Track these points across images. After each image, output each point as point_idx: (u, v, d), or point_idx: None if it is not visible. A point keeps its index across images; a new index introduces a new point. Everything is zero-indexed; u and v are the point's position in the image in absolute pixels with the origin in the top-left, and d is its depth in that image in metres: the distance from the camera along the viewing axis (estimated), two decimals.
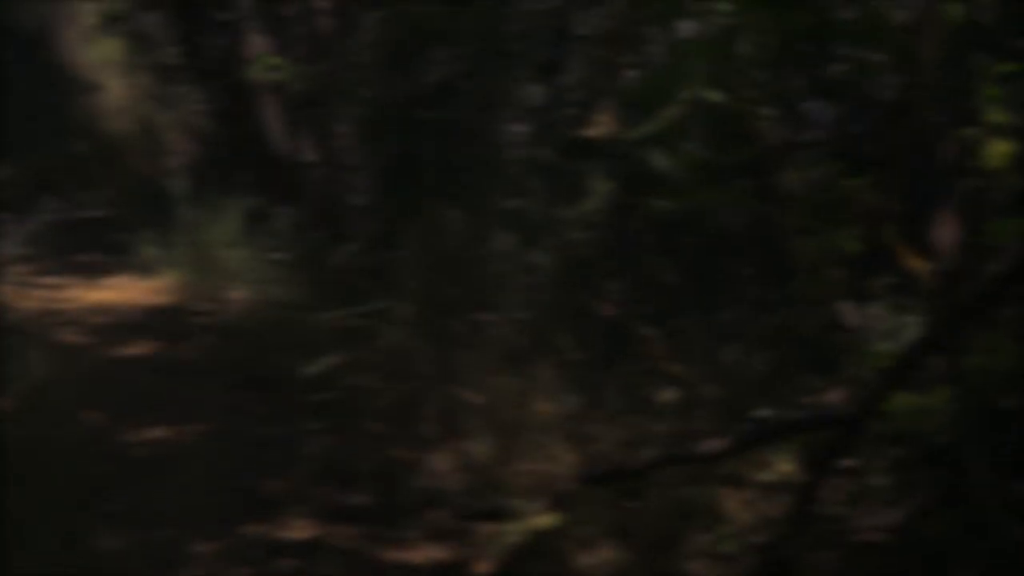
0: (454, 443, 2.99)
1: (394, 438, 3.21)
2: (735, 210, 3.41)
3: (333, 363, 3.11)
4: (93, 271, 6.85)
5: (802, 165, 3.89)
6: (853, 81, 3.04)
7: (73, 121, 10.84)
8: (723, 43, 2.94)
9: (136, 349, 5.17)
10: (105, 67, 10.39)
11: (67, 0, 12.41)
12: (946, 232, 3.08)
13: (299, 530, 3.34)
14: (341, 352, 3.52)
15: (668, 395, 3.05)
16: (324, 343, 4.19)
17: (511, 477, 2.93)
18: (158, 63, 8.25)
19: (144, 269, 6.51)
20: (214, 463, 3.80)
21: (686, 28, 5.63)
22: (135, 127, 8.45)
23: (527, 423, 2.99)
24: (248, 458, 3.82)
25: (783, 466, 2.21)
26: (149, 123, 8.30)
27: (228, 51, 7.52)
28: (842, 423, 1.99)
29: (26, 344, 5.04)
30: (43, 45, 11.06)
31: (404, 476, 3.18)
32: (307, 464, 3.42)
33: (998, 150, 2.60)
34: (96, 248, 7.45)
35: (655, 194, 3.54)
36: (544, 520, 2.86)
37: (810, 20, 3.01)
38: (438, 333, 3.39)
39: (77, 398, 4.41)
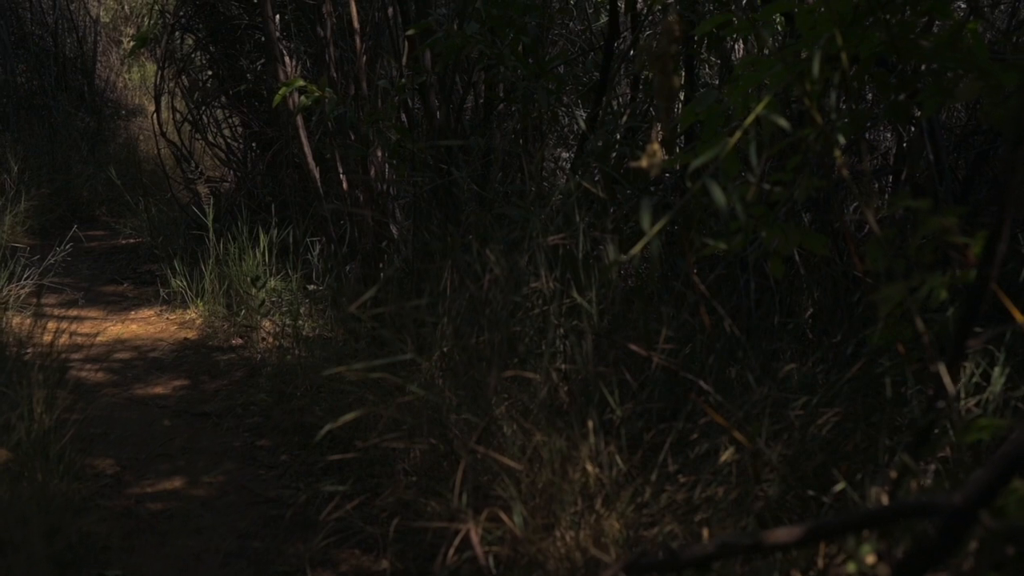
0: (487, 509, 2.66)
1: (421, 502, 2.88)
2: (803, 249, 3.07)
3: (357, 416, 2.77)
4: (122, 303, 6.61)
5: (880, 199, 3.54)
6: (935, 107, 2.69)
7: (110, 146, 10.67)
8: (789, 64, 2.60)
9: (157, 388, 4.89)
10: (144, 91, 10.14)
11: (108, 24, 12.30)
12: None
13: None
14: (367, 402, 3.22)
15: (729, 457, 2.71)
16: (350, 391, 3.90)
17: (550, 551, 2.60)
18: (194, 87, 8.01)
19: (172, 301, 6.26)
20: (229, 522, 3.50)
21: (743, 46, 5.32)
22: (170, 153, 8.20)
23: (569, 488, 2.66)
24: (265, 517, 3.51)
25: (867, 558, 1.86)
26: (184, 149, 8.06)
27: (262, 75, 7.30)
28: (941, 514, 1.65)
29: (42, 382, 4.79)
30: (82, 69, 10.88)
31: (432, 545, 2.86)
32: (328, 526, 3.11)
33: None
34: (127, 278, 7.21)
35: (713, 231, 3.22)
36: None
37: (887, 38, 2.69)
38: (472, 384, 3.06)
39: (88, 444, 4.14)
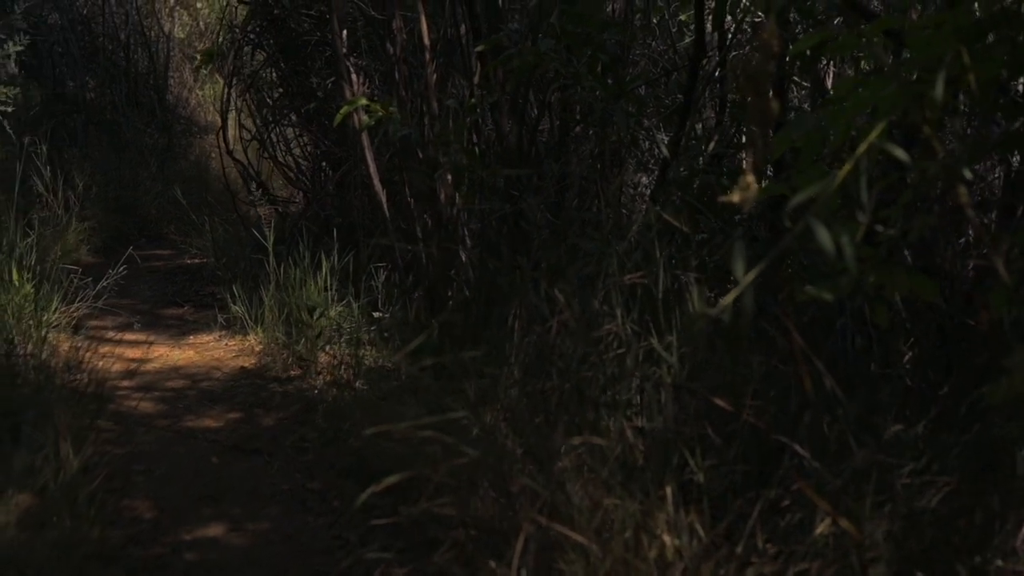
0: None
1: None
2: (914, 297, 2.74)
3: (409, 476, 2.48)
4: (180, 327, 6.39)
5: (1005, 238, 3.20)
6: None
7: (180, 163, 10.52)
8: (904, 86, 2.28)
9: (208, 421, 4.64)
10: (213, 109, 9.94)
11: (183, 40, 12.18)
12: None
13: None
14: (421, 456, 2.93)
15: (825, 529, 2.39)
16: (408, 443, 3.63)
17: None
18: (262, 104, 7.80)
19: (232, 327, 6.02)
20: None
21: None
22: (238, 172, 8.00)
23: (644, 566, 2.34)
24: (310, 573, 3.23)
25: None
26: (251, 169, 7.85)
27: (333, 93, 7.07)
28: None
29: (71, 420, 4.56)
30: (154, 85, 10.75)
31: None
32: None
33: None
34: (188, 300, 7.00)
35: (808, 270, 2.90)
36: None
37: (1012, 57, 2.36)
38: (536, 442, 2.76)
39: (128, 483, 3.89)
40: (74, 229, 8.14)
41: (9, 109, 4.92)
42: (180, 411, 4.78)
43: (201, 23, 12.32)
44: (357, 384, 4.95)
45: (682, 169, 3.92)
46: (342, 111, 4.21)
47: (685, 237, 3.38)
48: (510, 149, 4.38)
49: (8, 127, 4.97)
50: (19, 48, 5.11)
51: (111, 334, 6.11)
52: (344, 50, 5.38)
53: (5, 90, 4.91)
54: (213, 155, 10.39)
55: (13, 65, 8.00)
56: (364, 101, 4.19)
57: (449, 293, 5.19)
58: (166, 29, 11.35)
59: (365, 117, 4.25)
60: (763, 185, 2.43)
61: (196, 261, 8.16)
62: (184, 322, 6.50)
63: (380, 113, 4.17)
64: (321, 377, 5.08)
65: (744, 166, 2.26)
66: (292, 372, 5.28)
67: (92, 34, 10.36)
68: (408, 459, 3.16)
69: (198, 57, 7.89)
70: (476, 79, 4.74)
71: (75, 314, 5.63)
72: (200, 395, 5.03)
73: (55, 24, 9.69)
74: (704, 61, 4.09)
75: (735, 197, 2.15)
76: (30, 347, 5.07)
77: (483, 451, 2.54)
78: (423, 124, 4.66)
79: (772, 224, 3.62)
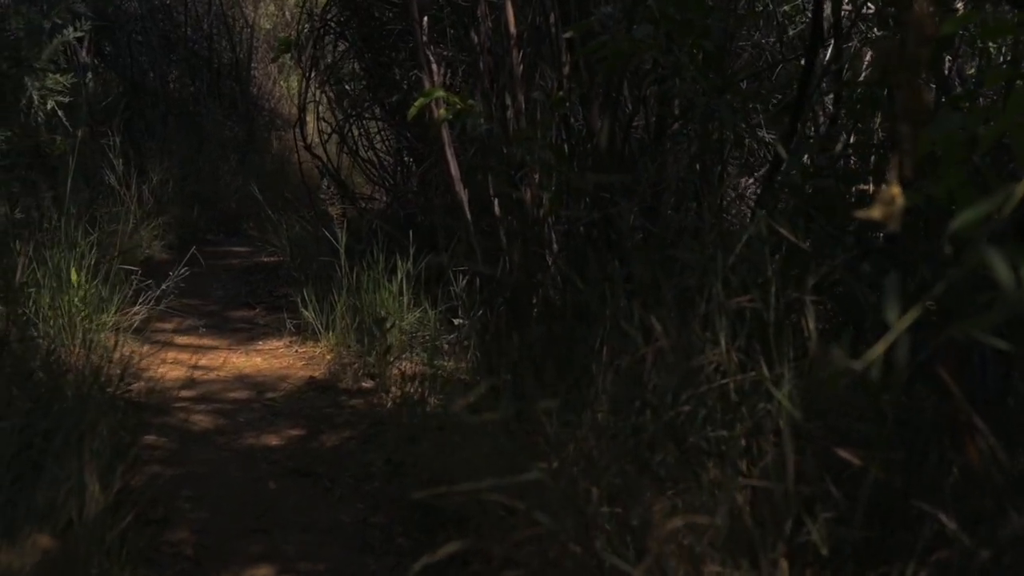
0: None
1: None
2: None
3: (474, 542, 2.08)
4: (250, 331, 6.06)
5: None
6: None
7: (264, 157, 10.24)
8: None
9: (270, 438, 4.28)
10: (294, 102, 9.62)
11: (270, 31, 11.90)
12: None
13: None
14: (492, 516, 2.55)
15: None
16: (483, 467, 3.24)
17: None
18: (342, 97, 7.46)
19: (303, 332, 5.67)
20: None
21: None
22: (316, 168, 7.67)
23: None
24: None
25: None
26: (330, 165, 7.50)
27: (417, 85, 6.70)
28: None
29: (135, 428, 4.23)
30: (236, 76, 10.48)
31: None
32: None
33: None
34: (260, 301, 6.67)
35: (974, 309, 2.46)
36: None
37: None
38: (625, 486, 2.35)
39: (174, 510, 3.53)
40: (147, 225, 7.86)
41: (65, 99, 4.58)
42: (240, 426, 4.43)
43: (287, 13, 12.03)
44: (431, 400, 4.56)
45: (793, 172, 3.48)
46: (417, 103, 3.82)
47: (797, 249, 2.94)
48: (601, 148, 3.95)
49: (64, 118, 4.62)
50: (79, 34, 4.78)
51: (176, 338, 5.80)
52: (424, 38, 4.99)
53: (61, 79, 4.56)
54: (295, 149, 10.11)
55: (85, 54, 7.74)
56: (441, 92, 3.80)
57: (533, 300, 4.79)
58: (250, 19, 11.07)
59: (442, 110, 3.85)
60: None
61: (273, 259, 7.85)
62: (254, 326, 6.17)
63: (458, 106, 3.77)
64: (393, 391, 4.70)
65: (888, 174, 1.83)
66: (363, 385, 4.91)
67: (174, 23, 10.09)
68: (476, 511, 2.79)
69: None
70: (565, 70, 4.33)
71: (135, 316, 5.30)
72: (263, 408, 4.67)
73: (134, 12, 9.42)
74: (821, 50, 3.64)
75: (876, 212, 1.73)
76: (84, 353, 4.75)
77: (561, 521, 2.13)
78: (506, 119, 4.25)
79: (902, 238, 3.17)
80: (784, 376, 2.41)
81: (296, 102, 8.96)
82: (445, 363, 5.04)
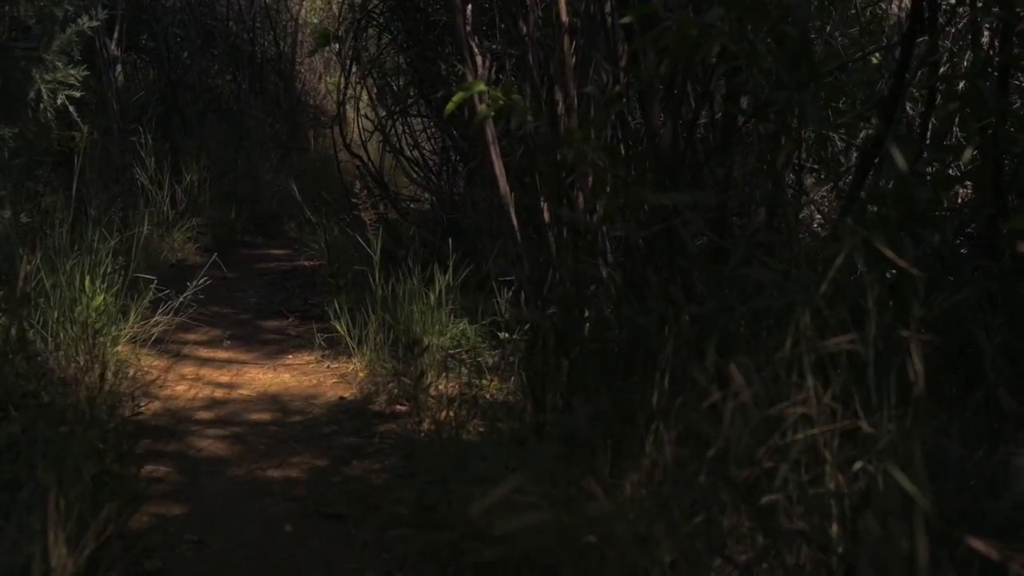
0: None
1: None
2: None
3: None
4: (280, 343, 5.64)
5: None
6: None
7: (307, 155, 9.85)
8: None
9: (291, 470, 3.85)
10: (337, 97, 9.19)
11: (317, 25, 11.51)
12: None
13: None
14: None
15: None
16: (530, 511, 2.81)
17: None
18: (384, 93, 7.03)
19: (336, 347, 5.24)
20: None
21: None
22: (356, 169, 7.25)
23: None
24: None
25: None
26: (372, 165, 7.08)
27: (462, 80, 6.26)
28: None
29: (143, 456, 3.82)
30: (280, 72, 10.10)
31: None
32: None
33: None
34: (294, 310, 6.26)
35: None
36: None
37: None
38: (701, 533, 1.90)
39: (173, 565, 3.11)
40: (180, 226, 7.48)
41: (77, 94, 4.18)
42: (259, 455, 4.01)
43: (334, 6, 11.62)
44: (471, 425, 4.13)
45: (881, 181, 3.00)
46: (455, 98, 3.37)
47: (903, 274, 2.47)
48: (662, 149, 3.48)
49: (76, 113, 4.23)
50: (95, 23, 4.37)
51: (200, 351, 5.39)
52: (468, 27, 4.55)
53: (73, 72, 4.17)
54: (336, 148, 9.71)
55: (114, 47, 7.36)
56: (483, 86, 3.35)
57: (585, 313, 4.34)
58: (295, 12, 10.67)
59: (484, 106, 3.41)
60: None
61: (312, 263, 7.43)
62: (285, 338, 5.75)
63: (501, 101, 3.32)
64: (430, 416, 4.27)
65: None
66: (397, 407, 4.48)
67: (215, 17, 9.71)
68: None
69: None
70: (622, 62, 3.87)
71: (156, 327, 4.90)
72: (287, 433, 4.25)
73: (172, 4, 9.04)
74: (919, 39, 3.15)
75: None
76: (94, 370, 4.35)
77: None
78: (557, 116, 3.79)
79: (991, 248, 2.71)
80: (886, 429, 1.95)
81: (344, 98, 8.56)
82: (487, 382, 4.61)
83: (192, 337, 5.56)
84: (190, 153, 8.19)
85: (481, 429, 4.13)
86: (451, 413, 4.22)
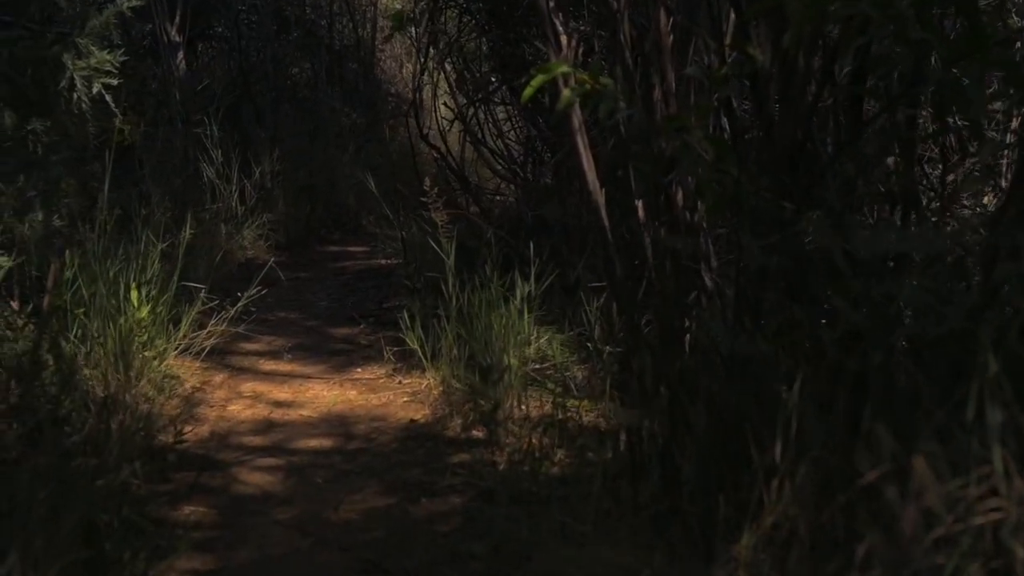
0: None
1: None
2: None
3: None
4: (350, 354, 5.17)
5: None
6: None
7: (389, 146, 9.39)
8: None
9: (349, 510, 3.36)
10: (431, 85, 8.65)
11: (395, 10, 11.02)
12: None
13: None
14: None
15: None
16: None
17: None
18: (463, 79, 6.53)
19: (408, 360, 4.74)
20: None
21: None
22: (434, 161, 6.76)
23: None
24: None
25: None
26: (452, 158, 6.58)
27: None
28: None
29: (181, 494, 3.36)
30: (359, 59, 9.64)
31: None
32: None
33: None
34: (367, 315, 5.78)
35: None
36: None
37: None
38: None
39: None
40: (251, 223, 7.05)
41: (114, 82, 3.73)
42: (315, 491, 3.52)
43: None
44: (557, 455, 3.62)
45: None
46: (533, 82, 2.84)
47: None
48: (778, 140, 2.92)
49: (111, 100, 3.78)
50: (132, 3, 3.91)
51: (261, 363, 4.94)
52: (552, 3, 4.02)
53: (108, 57, 3.71)
54: (415, 138, 9.22)
55: (175, 33, 6.92)
56: (566, 68, 2.82)
57: (687, 324, 3.81)
58: None
59: (567, 91, 2.87)
60: None
61: (389, 261, 6.94)
62: (355, 347, 5.26)
63: (588, 85, 2.79)
64: (510, 444, 3.75)
65: None
66: (473, 433, 3.97)
67: (291, 1, 9.26)
68: None
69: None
70: (727, 39, 3.32)
71: (207, 341, 4.45)
72: (348, 464, 3.76)
73: None
74: None
75: None
76: (135, 390, 3.91)
77: None
78: (653, 102, 3.24)
79: None
80: None
81: (420, 85, 8.04)
82: (575, 402, 4.09)
83: (253, 347, 5.11)
84: (262, 145, 7.75)
85: (568, 460, 3.62)
86: (533, 441, 3.73)
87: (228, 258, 6.58)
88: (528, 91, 2.85)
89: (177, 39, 6.81)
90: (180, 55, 6.76)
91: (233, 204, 6.96)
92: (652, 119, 3.12)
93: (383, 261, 7.07)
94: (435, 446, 3.89)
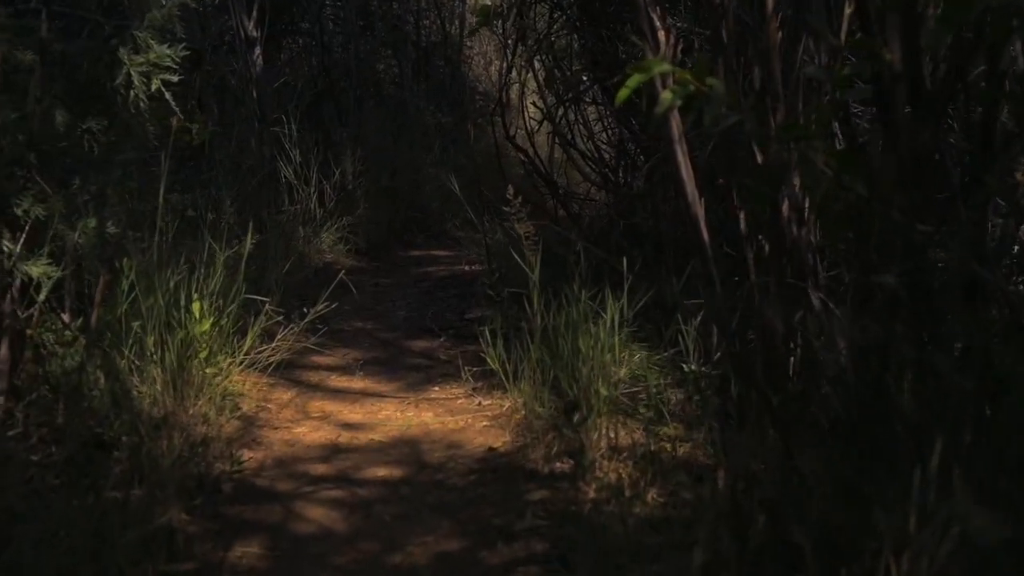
0: None
1: None
2: None
3: None
4: (427, 370, 4.85)
5: None
6: None
7: (478, 146, 9.08)
8: None
9: (416, 554, 3.04)
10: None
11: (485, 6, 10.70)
12: None
13: None
14: None
15: None
16: None
17: None
18: (551, 78, 6.19)
19: (488, 378, 4.41)
20: None
21: None
22: (521, 163, 6.44)
23: None
24: None
25: None
26: (539, 160, 6.25)
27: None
28: None
29: (225, 534, 3.06)
30: (447, 56, 9.34)
31: None
32: None
33: None
34: (447, 327, 5.46)
35: None
36: None
37: None
38: None
39: None
40: (330, 226, 6.77)
41: (174, 78, 3.44)
42: (380, 529, 3.20)
43: None
44: (650, 495, 3.27)
45: None
46: (629, 82, 2.49)
47: None
48: (909, 153, 2.54)
49: (170, 98, 3.50)
50: None
51: (332, 379, 4.64)
52: None
53: (168, 52, 3.43)
54: (502, 139, 8.89)
55: (252, 28, 6.61)
56: (666, 66, 2.47)
57: (792, 345, 3.43)
58: None
59: (668, 92, 2.51)
60: None
61: (474, 268, 6.63)
62: (433, 363, 4.94)
63: (692, 87, 2.43)
64: (598, 480, 3.41)
65: None
66: (557, 466, 3.61)
67: None
68: None
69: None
70: (844, 34, 2.94)
71: (272, 357, 4.17)
72: (419, 498, 3.43)
73: None
74: None
75: None
76: (192, 411, 3.63)
77: None
78: (764, 106, 2.87)
79: None
80: None
81: (507, 83, 7.69)
82: (670, 429, 3.74)
83: (325, 360, 4.82)
84: (343, 144, 7.47)
85: (661, 499, 3.27)
86: (623, 475, 3.39)
87: (305, 263, 6.30)
88: (624, 92, 2.50)
89: (255, 34, 6.54)
90: (257, 51, 6.49)
91: (312, 206, 6.69)
92: (766, 127, 2.75)
93: (466, 267, 6.77)
94: (514, 480, 3.55)
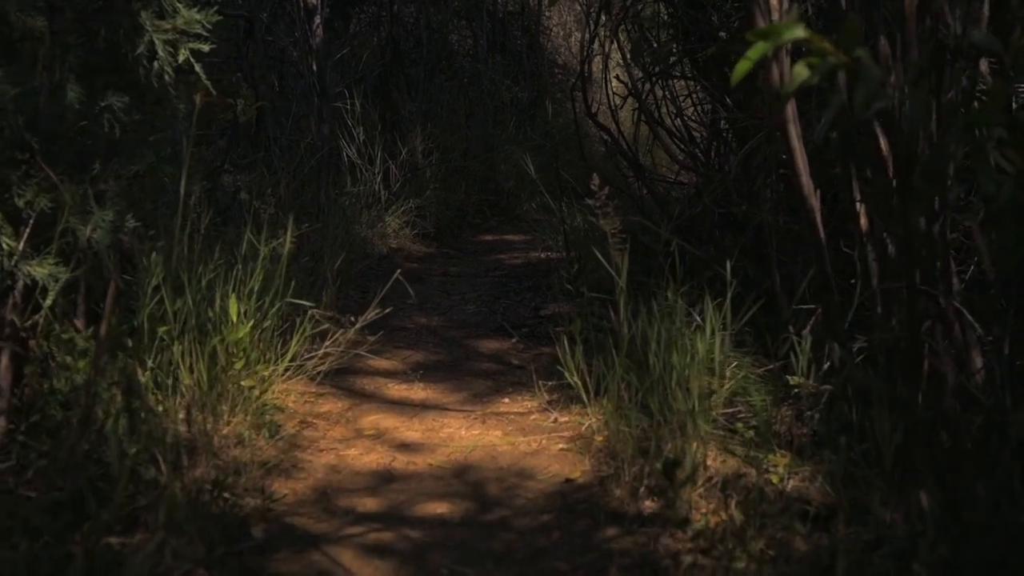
0: None
1: None
2: None
3: None
4: (497, 377, 4.33)
5: None
6: None
7: (558, 122, 8.56)
8: None
9: None
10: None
11: None
12: None
13: None
14: None
15: None
16: None
17: None
18: (639, 50, 5.63)
19: (565, 391, 3.87)
20: None
21: None
22: (600, 142, 5.89)
23: None
24: None
25: None
26: (624, 139, 5.70)
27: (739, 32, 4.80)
28: None
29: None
30: (524, 27, 8.81)
31: None
32: None
33: None
34: (520, 326, 4.93)
35: None
36: None
37: None
38: None
39: None
40: (396, 209, 6.27)
41: (205, 48, 2.94)
42: None
43: None
44: (755, 544, 2.73)
45: None
46: (751, 53, 1.93)
47: None
48: None
49: (201, 70, 3.00)
50: None
51: (389, 386, 4.14)
52: None
53: (199, 16, 2.92)
54: (582, 115, 8.34)
55: None
56: (801, 31, 1.89)
57: (923, 361, 2.87)
58: None
59: (802, 66, 1.94)
60: None
61: (551, 256, 6.08)
62: (504, 368, 4.41)
63: (832, 58, 1.86)
64: (694, 523, 2.87)
65: None
66: (644, 505, 3.07)
67: None
68: None
69: None
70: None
71: (322, 364, 3.67)
72: (480, 544, 2.90)
73: None
74: None
75: None
76: (225, 431, 3.14)
77: None
78: (929, 84, 2.30)
79: None
80: None
81: (589, 56, 7.13)
82: (777, 456, 3.19)
83: (383, 364, 4.31)
84: (412, 121, 6.96)
85: (768, 549, 2.73)
86: (723, 516, 2.86)
87: (367, 249, 5.81)
88: (744, 64, 1.94)
89: (315, 2, 6.03)
90: (317, 20, 5.98)
91: (376, 188, 6.19)
92: (927, 110, 2.18)
93: (543, 255, 6.23)
94: (594, 521, 3.01)
